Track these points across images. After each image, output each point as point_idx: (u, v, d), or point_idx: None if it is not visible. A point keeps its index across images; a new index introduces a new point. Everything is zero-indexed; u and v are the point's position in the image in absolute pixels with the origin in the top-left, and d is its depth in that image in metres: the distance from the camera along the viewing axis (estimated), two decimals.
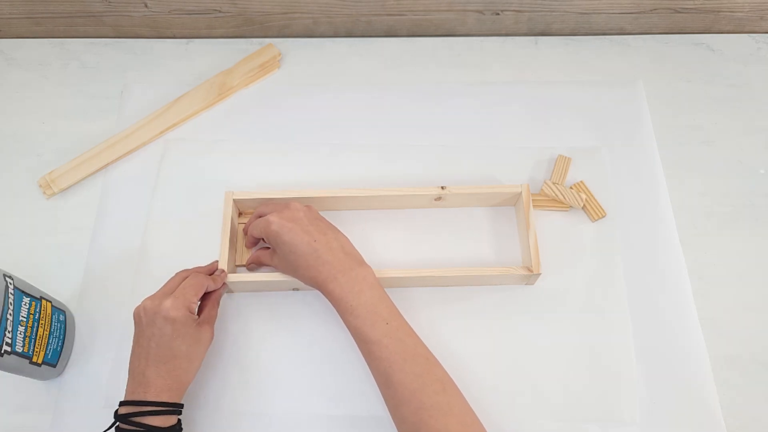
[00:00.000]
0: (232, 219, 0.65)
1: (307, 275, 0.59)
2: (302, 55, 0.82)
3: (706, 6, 0.80)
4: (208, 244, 0.67)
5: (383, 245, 0.68)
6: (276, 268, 0.62)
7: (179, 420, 0.55)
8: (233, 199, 0.66)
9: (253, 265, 0.65)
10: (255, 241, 0.66)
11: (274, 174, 0.73)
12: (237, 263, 0.67)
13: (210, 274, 0.62)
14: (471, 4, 0.79)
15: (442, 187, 0.66)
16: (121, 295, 0.66)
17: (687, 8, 0.80)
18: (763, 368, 0.63)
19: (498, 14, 0.81)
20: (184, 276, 0.59)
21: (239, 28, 0.83)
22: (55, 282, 0.67)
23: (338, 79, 0.80)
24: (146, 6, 0.80)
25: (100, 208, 0.71)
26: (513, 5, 0.80)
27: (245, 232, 0.66)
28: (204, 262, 0.66)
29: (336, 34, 0.85)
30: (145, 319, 0.56)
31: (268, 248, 0.64)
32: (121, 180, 0.73)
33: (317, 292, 0.65)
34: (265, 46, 0.81)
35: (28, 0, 0.79)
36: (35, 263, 0.68)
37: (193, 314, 0.57)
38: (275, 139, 0.75)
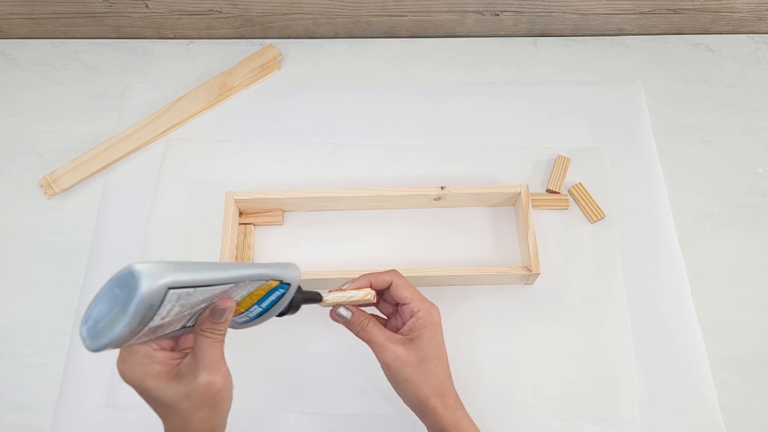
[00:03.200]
0: (232, 219, 0.66)
1: (439, 395, 0.50)
2: (302, 56, 0.82)
3: (705, 6, 0.80)
4: (209, 244, 0.67)
5: (383, 245, 0.68)
6: (384, 356, 0.50)
7: None
8: (234, 199, 0.66)
9: (352, 320, 0.51)
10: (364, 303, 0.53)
11: (274, 174, 0.73)
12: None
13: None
14: (471, 5, 0.80)
15: (442, 187, 0.67)
16: None
17: (686, 9, 0.81)
18: (762, 368, 0.63)
19: (498, 15, 0.81)
20: None
21: (240, 29, 0.84)
22: (55, 282, 0.67)
23: (338, 80, 0.80)
24: (147, 7, 0.80)
25: (101, 208, 0.71)
26: (513, 6, 0.80)
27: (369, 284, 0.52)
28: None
29: (336, 35, 0.85)
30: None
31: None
32: (121, 180, 0.73)
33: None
34: (265, 47, 0.81)
35: (29, 0, 0.79)
36: (35, 263, 0.68)
37: (158, 367, 0.41)
38: (275, 139, 0.76)
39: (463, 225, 0.69)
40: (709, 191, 0.72)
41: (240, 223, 0.68)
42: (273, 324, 0.64)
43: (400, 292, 0.51)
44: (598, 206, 0.69)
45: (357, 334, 0.51)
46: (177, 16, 0.82)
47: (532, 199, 0.68)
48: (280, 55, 0.81)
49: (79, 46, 0.83)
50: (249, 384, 0.62)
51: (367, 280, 0.52)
